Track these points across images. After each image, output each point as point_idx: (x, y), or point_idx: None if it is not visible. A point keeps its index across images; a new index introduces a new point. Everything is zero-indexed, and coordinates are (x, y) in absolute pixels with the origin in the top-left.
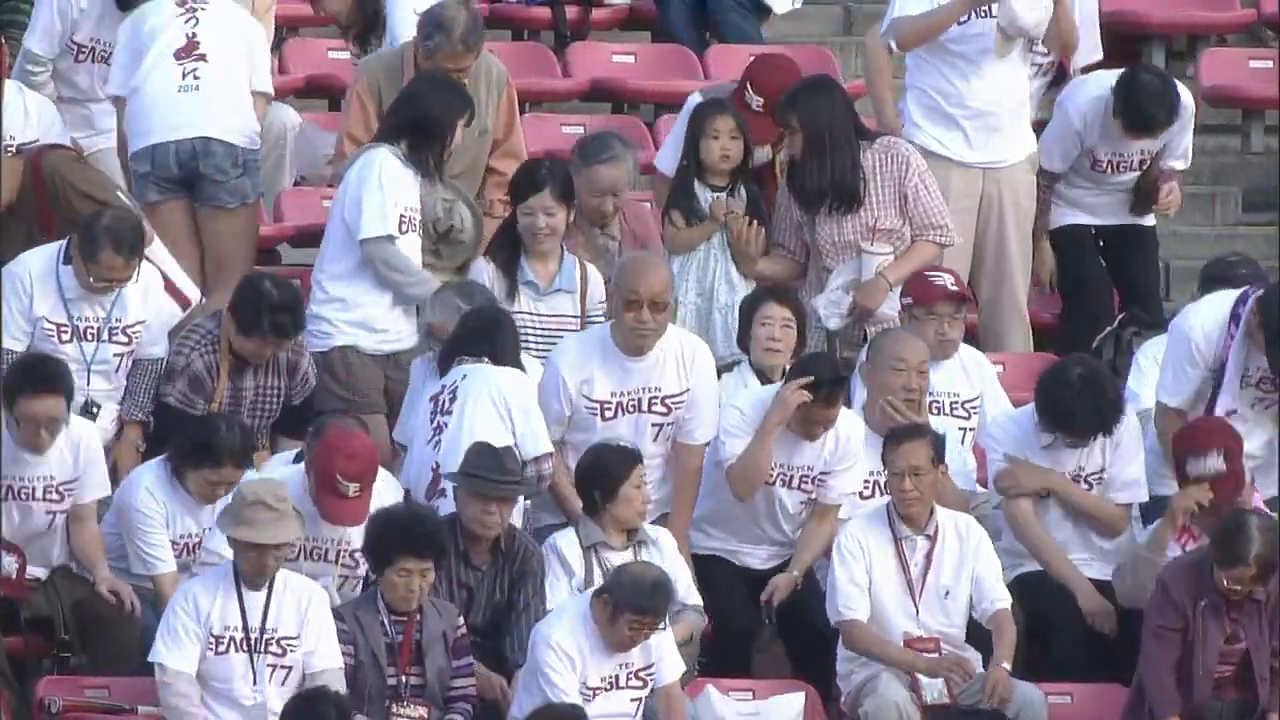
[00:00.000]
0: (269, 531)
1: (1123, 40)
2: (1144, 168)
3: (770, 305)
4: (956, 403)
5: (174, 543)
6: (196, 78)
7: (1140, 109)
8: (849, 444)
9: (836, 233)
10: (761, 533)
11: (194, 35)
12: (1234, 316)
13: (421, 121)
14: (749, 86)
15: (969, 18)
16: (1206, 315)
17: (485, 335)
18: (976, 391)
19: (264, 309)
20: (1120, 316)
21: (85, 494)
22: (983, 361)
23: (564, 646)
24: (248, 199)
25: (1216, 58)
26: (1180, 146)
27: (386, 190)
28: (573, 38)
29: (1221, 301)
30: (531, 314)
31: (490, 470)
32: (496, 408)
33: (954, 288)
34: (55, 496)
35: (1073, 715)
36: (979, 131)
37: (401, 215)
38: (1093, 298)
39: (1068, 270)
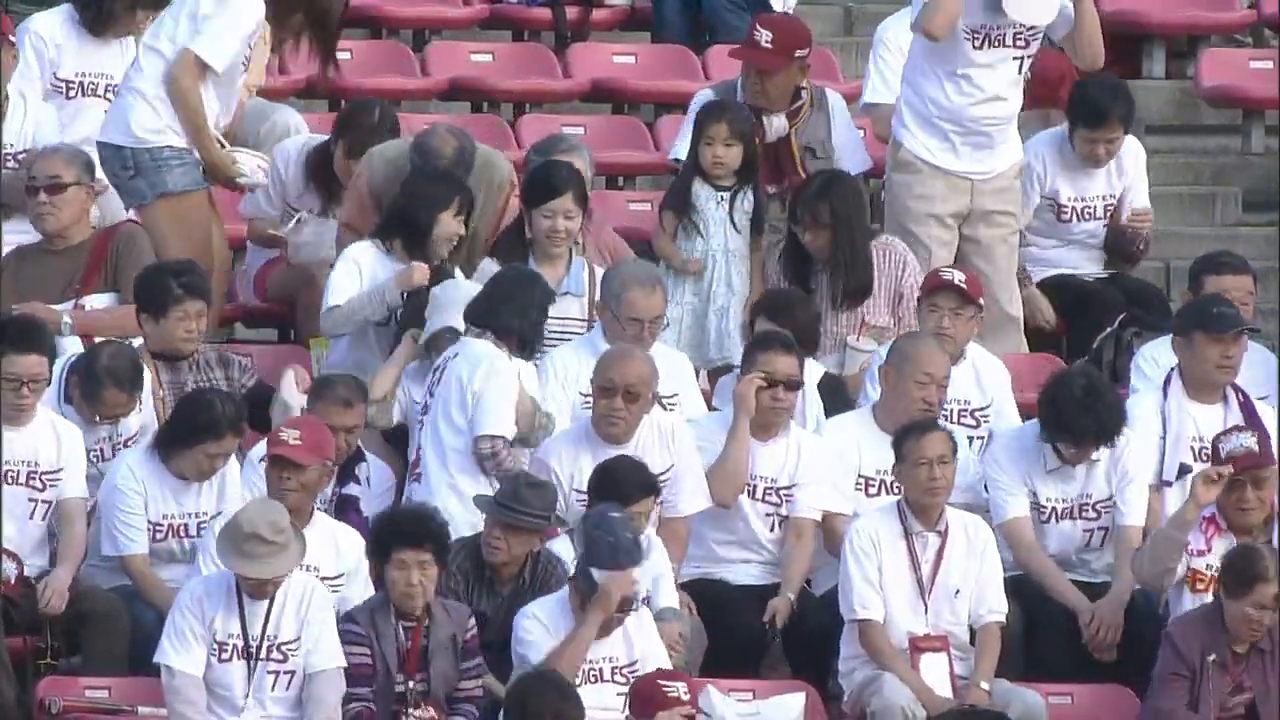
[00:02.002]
0: (266, 566)
1: (1123, 40)
2: (1108, 216)
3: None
4: (966, 410)
5: (156, 525)
6: (93, 84)
7: (1095, 102)
8: (812, 459)
9: (829, 324)
10: (743, 554)
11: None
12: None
13: (404, 219)
14: (756, 26)
15: (984, 47)
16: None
17: (489, 309)
18: (988, 399)
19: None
20: (1120, 317)
21: (67, 488)
22: (998, 369)
23: (539, 617)
24: (145, 199)
25: (1216, 58)
26: (1139, 195)
27: (345, 271)
28: (573, 38)
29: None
30: None
31: (507, 499)
32: (462, 389)
33: (959, 283)
34: (37, 484)
35: (1073, 715)
36: (967, 146)
37: None
38: (1096, 301)
39: (1067, 293)
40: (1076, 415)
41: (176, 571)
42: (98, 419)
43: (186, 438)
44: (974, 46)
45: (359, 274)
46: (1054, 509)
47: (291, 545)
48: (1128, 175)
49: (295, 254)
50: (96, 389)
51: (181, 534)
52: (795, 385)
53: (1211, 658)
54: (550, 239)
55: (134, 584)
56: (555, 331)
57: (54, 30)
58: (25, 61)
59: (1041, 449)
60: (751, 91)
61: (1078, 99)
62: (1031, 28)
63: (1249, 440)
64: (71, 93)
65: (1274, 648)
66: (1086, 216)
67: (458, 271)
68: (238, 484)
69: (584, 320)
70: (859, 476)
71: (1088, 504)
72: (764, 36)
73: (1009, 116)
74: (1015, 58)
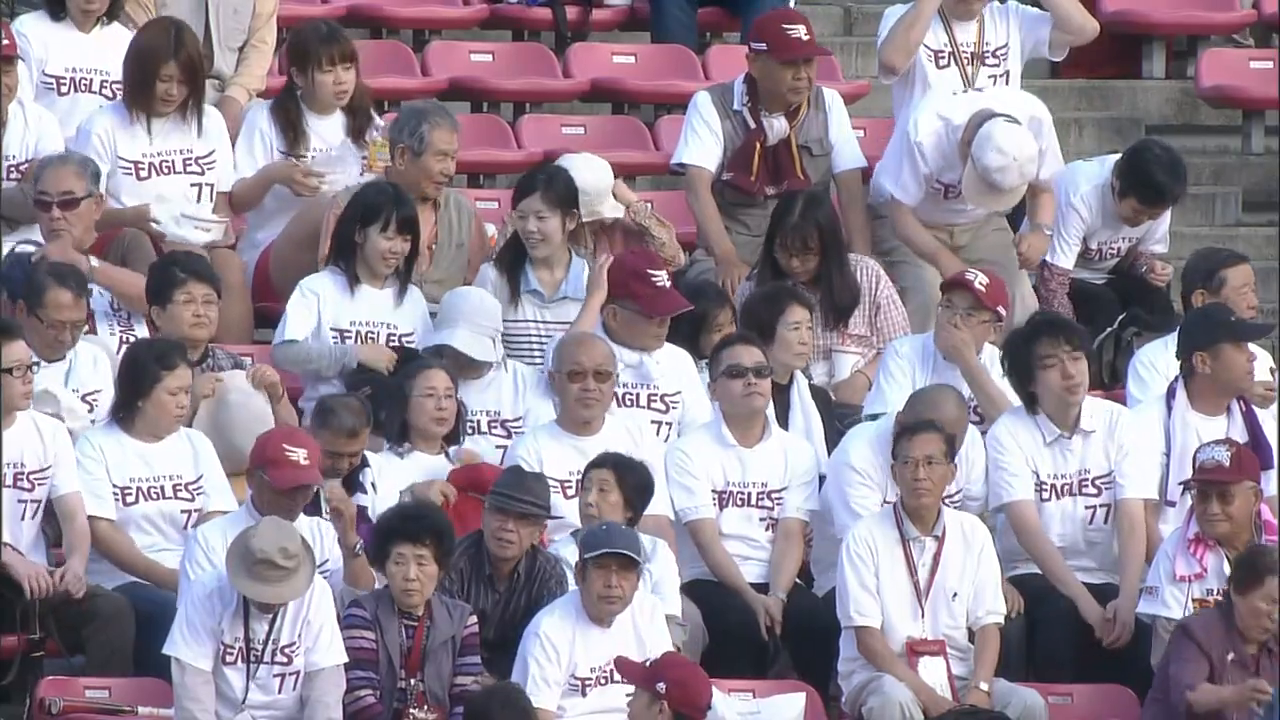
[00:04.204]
0: (276, 591)
1: (1123, 40)
2: (1125, 254)
3: (796, 309)
4: (974, 409)
5: (125, 489)
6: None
7: (1157, 184)
8: (799, 461)
9: (816, 338)
10: (741, 551)
11: None
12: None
13: (338, 237)
14: (786, 23)
15: (959, 198)
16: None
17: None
18: None
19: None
20: (1120, 317)
21: (63, 485)
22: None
23: (551, 637)
24: None
25: (1217, 58)
26: (1160, 231)
27: (302, 303)
28: (573, 38)
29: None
30: (536, 322)
31: (514, 490)
32: None
33: (979, 286)
34: (25, 484)
35: (1073, 715)
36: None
37: (338, 330)
38: (1097, 302)
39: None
40: (1156, 173)
41: (168, 559)
42: (46, 328)
43: (139, 382)
44: (945, 197)
45: (316, 304)
46: (1054, 486)
47: (302, 569)
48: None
49: (328, 185)
50: (39, 294)
51: (155, 496)
52: (764, 372)
53: (1230, 656)
54: (527, 240)
55: (99, 549)
56: (556, 335)
57: (38, 28)
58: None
59: (1038, 423)
60: (793, 89)
61: (1139, 170)
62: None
63: (1221, 453)
64: (64, 89)
65: None
66: (1109, 256)
67: (490, 274)
68: (211, 449)
69: None
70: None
71: (1087, 479)
72: (800, 30)
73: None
74: None
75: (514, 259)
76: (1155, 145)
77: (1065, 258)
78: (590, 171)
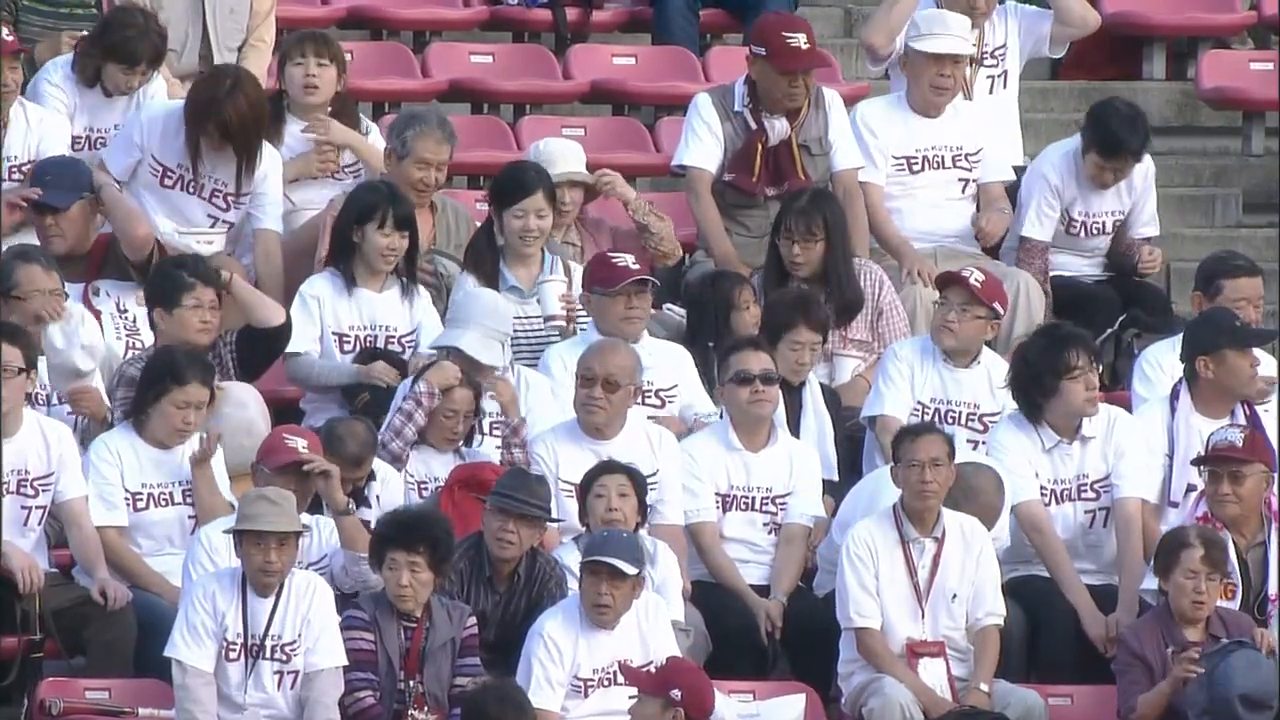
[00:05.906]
0: (269, 520)
1: (1124, 42)
2: (1115, 230)
3: (803, 330)
4: (974, 415)
5: (136, 494)
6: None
7: (1113, 134)
8: (804, 466)
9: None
10: (743, 555)
11: None
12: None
13: (335, 238)
14: (786, 32)
15: (924, 169)
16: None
17: None
18: (999, 406)
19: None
20: (1121, 318)
21: (67, 490)
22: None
23: (554, 638)
24: None
25: (1217, 60)
26: (1146, 211)
27: (304, 311)
28: (573, 40)
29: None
30: (519, 318)
31: (516, 491)
32: None
33: (974, 283)
34: (29, 491)
35: (1073, 716)
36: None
37: (339, 335)
38: (1096, 302)
39: (1066, 294)
40: (1113, 125)
41: (172, 563)
42: (27, 303)
43: (148, 390)
44: (911, 172)
45: (318, 309)
46: (1053, 491)
47: (290, 513)
48: (1136, 191)
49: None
50: (7, 277)
51: (165, 503)
52: (771, 379)
53: (1170, 649)
54: (523, 239)
55: (107, 558)
56: (538, 330)
57: (68, 88)
58: (51, 99)
59: (1038, 430)
60: (789, 95)
61: (1097, 124)
62: (976, 152)
63: (1234, 435)
64: (78, 146)
65: (1228, 634)
66: (1095, 232)
67: (468, 281)
68: (220, 459)
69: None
70: None
71: (1085, 484)
72: (800, 39)
73: (957, 231)
74: (960, 179)
75: (491, 260)
76: (1118, 101)
77: (1040, 228)
78: (558, 141)
